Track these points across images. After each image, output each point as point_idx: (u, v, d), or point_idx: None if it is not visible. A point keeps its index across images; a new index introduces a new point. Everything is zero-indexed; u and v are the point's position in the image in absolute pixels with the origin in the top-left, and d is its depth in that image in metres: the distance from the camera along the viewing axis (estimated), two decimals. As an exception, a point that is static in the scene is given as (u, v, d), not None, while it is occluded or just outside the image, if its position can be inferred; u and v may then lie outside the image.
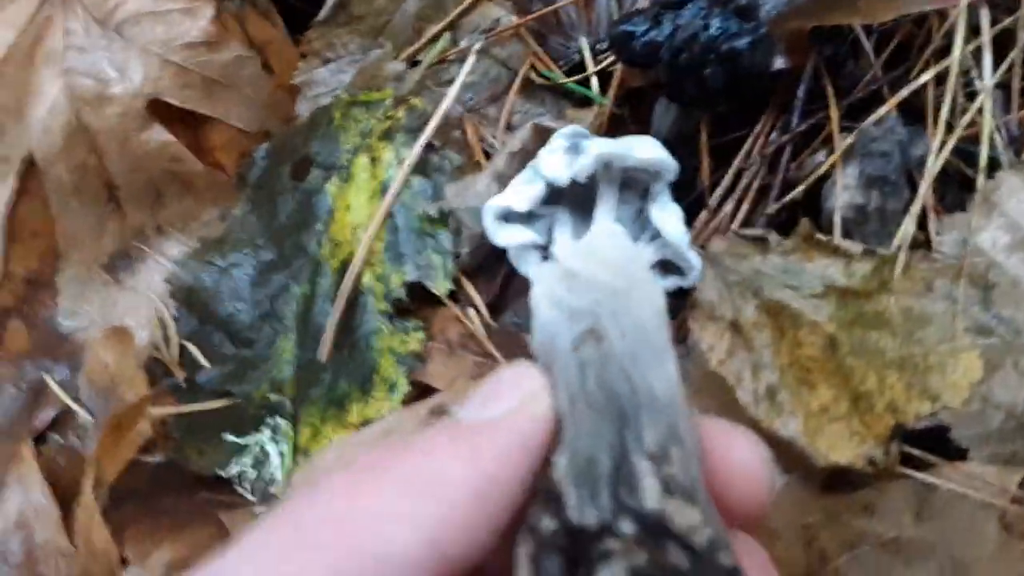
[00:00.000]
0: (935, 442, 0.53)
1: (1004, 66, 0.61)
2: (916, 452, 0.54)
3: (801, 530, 0.52)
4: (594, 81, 0.70)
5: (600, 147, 0.51)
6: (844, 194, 0.60)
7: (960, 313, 0.55)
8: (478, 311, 0.64)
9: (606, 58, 0.71)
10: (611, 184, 0.53)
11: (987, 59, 0.60)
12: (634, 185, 0.55)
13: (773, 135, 0.65)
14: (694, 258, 0.54)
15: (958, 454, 0.53)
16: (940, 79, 0.62)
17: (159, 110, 0.69)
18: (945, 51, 0.62)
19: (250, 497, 0.61)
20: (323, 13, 0.76)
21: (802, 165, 0.64)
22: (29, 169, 0.70)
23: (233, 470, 0.62)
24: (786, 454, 0.53)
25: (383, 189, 0.67)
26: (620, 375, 0.34)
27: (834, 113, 0.63)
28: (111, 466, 0.59)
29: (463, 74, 0.69)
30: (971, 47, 0.61)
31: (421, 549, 0.26)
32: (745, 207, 0.64)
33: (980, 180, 0.58)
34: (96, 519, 0.56)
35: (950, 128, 0.60)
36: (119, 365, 0.63)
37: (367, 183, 0.68)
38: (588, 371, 0.35)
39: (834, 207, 0.61)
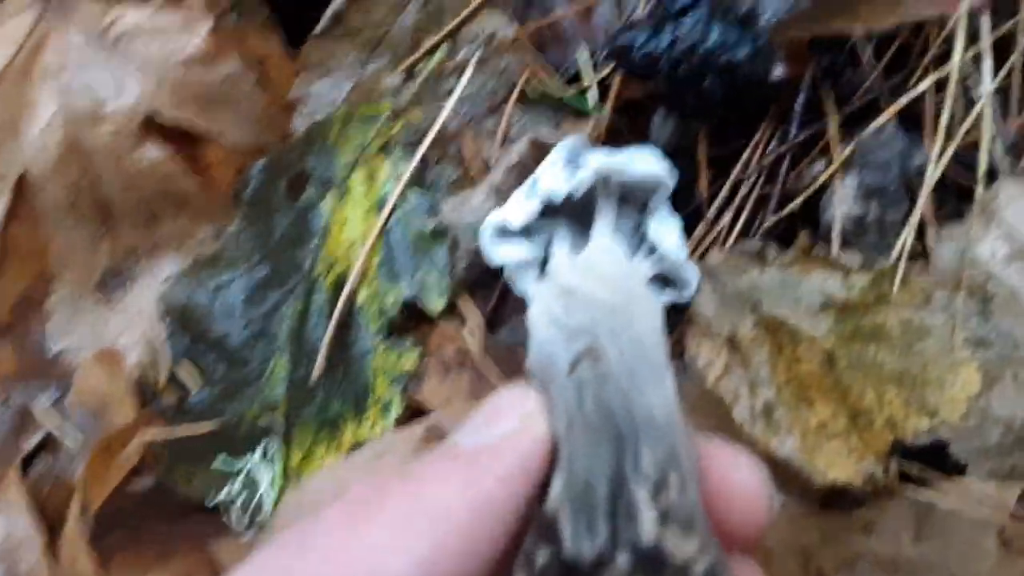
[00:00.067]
0: (933, 457, 0.53)
1: (1003, 72, 0.61)
2: (914, 469, 0.53)
3: (799, 550, 0.52)
4: (592, 93, 0.70)
5: (599, 161, 0.51)
6: (843, 205, 0.60)
7: (959, 325, 0.54)
8: (474, 328, 0.64)
9: (604, 70, 0.70)
10: (609, 198, 0.53)
11: (987, 66, 0.60)
12: (632, 198, 0.55)
13: (771, 145, 0.65)
14: (691, 273, 0.54)
15: (956, 469, 0.53)
16: (939, 87, 0.62)
17: (154, 127, 0.69)
18: (943, 58, 0.62)
19: (239, 525, 0.60)
20: (320, 27, 0.75)
21: (801, 175, 0.64)
22: (21, 188, 0.70)
23: (222, 497, 0.61)
24: (783, 473, 0.53)
25: (380, 204, 0.66)
26: (618, 396, 0.34)
27: (833, 123, 0.63)
28: (98, 492, 0.58)
29: (460, 86, 0.69)
30: (970, 54, 0.61)
31: None
32: (743, 218, 0.64)
33: (979, 189, 0.58)
34: (82, 547, 0.56)
35: (949, 136, 0.60)
36: (108, 388, 0.62)
37: (363, 198, 0.67)
38: (585, 392, 0.34)
39: (833, 218, 0.60)
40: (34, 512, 0.61)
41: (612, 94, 0.69)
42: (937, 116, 0.61)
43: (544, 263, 0.55)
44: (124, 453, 0.59)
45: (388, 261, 0.65)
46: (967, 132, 0.60)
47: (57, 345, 0.72)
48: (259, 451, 0.62)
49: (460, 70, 0.71)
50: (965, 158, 0.61)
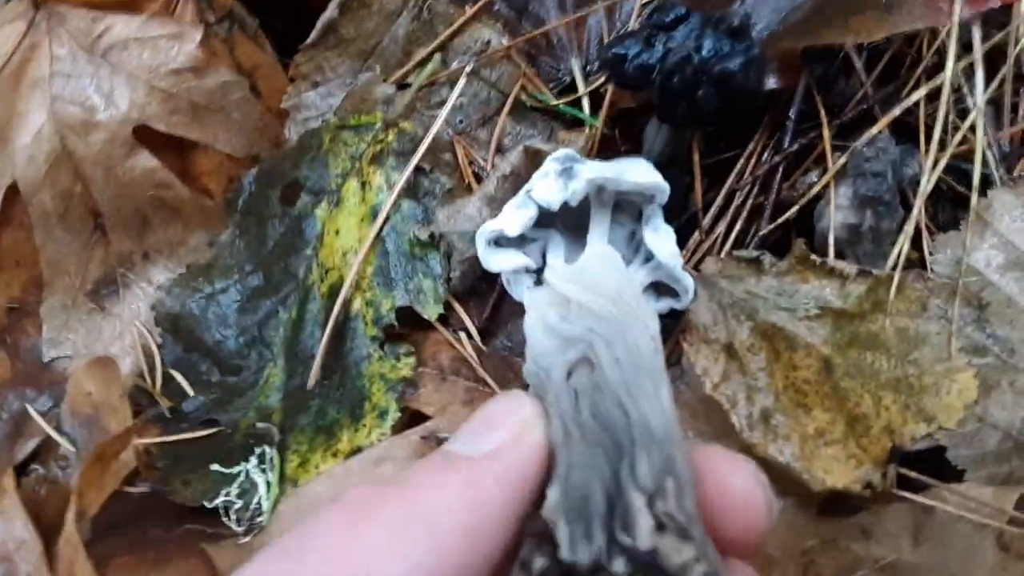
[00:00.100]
0: (931, 463, 0.53)
1: (995, 83, 0.61)
2: (912, 474, 0.53)
3: (798, 556, 0.52)
4: (585, 102, 0.70)
5: (593, 171, 0.51)
6: (837, 214, 0.60)
7: (955, 333, 0.54)
8: (469, 335, 0.63)
9: (597, 79, 0.70)
10: (604, 207, 0.53)
11: (979, 76, 0.60)
12: (627, 207, 0.55)
13: (765, 155, 0.65)
14: (687, 280, 0.53)
15: (954, 475, 0.53)
16: (931, 97, 0.62)
17: (146, 136, 0.69)
18: (936, 69, 0.62)
19: (236, 528, 0.60)
20: (312, 36, 0.75)
21: (795, 185, 0.64)
22: (12, 197, 0.70)
23: (219, 501, 0.61)
24: (782, 479, 0.52)
25: (373, 213, 0.66)
26: (614, 404, 0.33)
27: (826, 133, 0.63)
28: (95, 497, 0.58)
29: (453, 96, 0.69)
30: (962, 64, 0.61)
31: None
32: (738, 228, 0.63)
33: (974, 198, 0.58)
34: (79, 552, 0.55)
35: (943, 146, 0.60)
36: (103, 395, 0.62)
37: (357, 207, 0.67)
38: (582, 400, 0.34)
39: (828, 227, 0.60)
40: (31, 518, 0.61)
41: (605, 104, 0.69)
42: (930, 126, 0.61)
43: (540, 271, 0.54)
44: (120, 459, 0.58)
45: (383, 269, 0.65)
46: (960, 142, 0.60)
47: (51, 352, 0.72)
48: (255, 458, 0.61)
49: (453, 80, 0.71)
50: (959, 167, 0.61)
